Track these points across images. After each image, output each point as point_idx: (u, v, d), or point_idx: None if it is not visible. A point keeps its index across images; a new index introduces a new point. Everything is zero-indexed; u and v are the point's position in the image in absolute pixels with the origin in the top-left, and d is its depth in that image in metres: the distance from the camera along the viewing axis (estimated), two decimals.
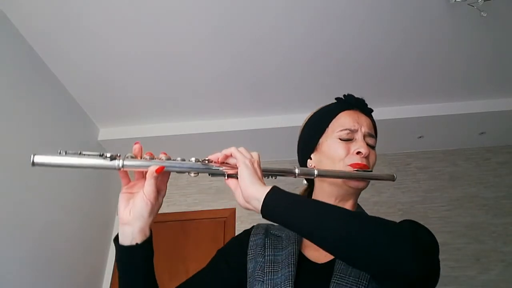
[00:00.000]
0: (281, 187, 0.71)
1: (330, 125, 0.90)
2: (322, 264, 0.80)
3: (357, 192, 0.88)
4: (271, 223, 0.93)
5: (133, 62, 2.05)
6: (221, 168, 0.75)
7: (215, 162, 0.75)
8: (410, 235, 0.66)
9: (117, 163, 0.70)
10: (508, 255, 2.42)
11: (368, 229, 0.65)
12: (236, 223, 2.61)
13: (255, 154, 0.77)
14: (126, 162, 0.71)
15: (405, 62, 2.12)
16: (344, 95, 0.94)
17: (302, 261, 0.82)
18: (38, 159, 0.66)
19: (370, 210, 0.81)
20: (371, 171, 0.86)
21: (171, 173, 0.78)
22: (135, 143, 0.74)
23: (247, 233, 0.92)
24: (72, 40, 1.90)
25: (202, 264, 0.90)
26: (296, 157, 0.98)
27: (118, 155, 0.70)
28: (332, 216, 0.66)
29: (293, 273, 0.78)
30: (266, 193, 0.68)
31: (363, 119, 0.91)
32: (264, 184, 0.72)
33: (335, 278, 0.74)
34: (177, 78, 2.17)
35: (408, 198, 2.65)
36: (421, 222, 0.76)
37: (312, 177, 0.82)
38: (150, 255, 0.75)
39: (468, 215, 2.56)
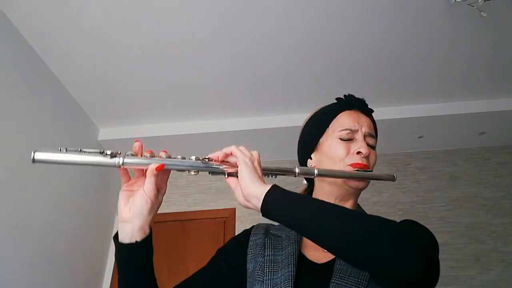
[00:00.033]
0: (281, 187, 0.71)
1: (331, 125, 0.90)
2: (322, 264, 0.80)
3: (357, 192, 0.88)
4: (271, 223, 0.93)
5: (133, 62, 2.05)
6: (221, 167, 0.75)
7: (215, 161, 0.75)
8: (411, 235, 0.66)
9: (118, 160, 0.70)
10: (508, 255, 2.42)
11: (369, 228, 0.65)
12: (236, 223, 2.61)
13: (255, 153, 0.77)
14: (127, 160, 0.71)
15: (405, 62, 2.12)
16: (345, 95, 0.94)
17: (302, 261, 0.82)
18: (39, 156, 0.67)
19: (370, 210, 0.82)
20: (371, 171, 0.86)
21: (171, 173, 0.78)
22: (136, 141, 0.75)
23: (247, 233, 0.92)
24: (72, 40, 1.90)
25: (202, 264, 0.90)
26: (296, 157, 0.98)
27: (119, 152, 0.70)
28: (332, 215, 0.66)
29: (293, 273, 0.78)
30: (266, 192, 0.69)
31: (364, 119, 0.91)
32: (264, 182, 0.72)
33: (334, 278, 0.74)
34: (177, 78, 2.18)
35: (408, 198, 2.65)
36: (421, 222, 0.76)
37: (312, 177, 0.82)
38: (150, 253, 0.75)
39: (468, 215, 2.56)
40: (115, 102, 2.34)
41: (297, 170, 0.80)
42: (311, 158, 0.92)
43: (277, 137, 2.50)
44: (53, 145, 0.70)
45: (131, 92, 2.27)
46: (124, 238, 0.73)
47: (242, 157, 0.73)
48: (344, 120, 0.89)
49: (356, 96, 0.94)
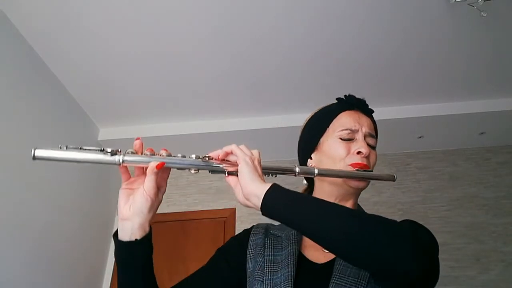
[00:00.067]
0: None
1: (331, 125, 0.90)
2: (321, 264, 0.80)
3: (357, 192, 0.88)
4: (271, 223, 0.93)
5: (133, 62, 2.05)
6: (221, 165, 0.75)
7: (215, 159, 0.75)
8: (410, 235, 0.66)
9: (118, 158, 0.70)
10: (508, 255, 2.42)
11: (368, 228, 0.65)
12: (236, 223, 2.62)
13: (255, 152, 0.77)
14: (127, 158, 0.71)
15: (405, 62, 2.12)
16: (345, 96, 0.94)
17: (302, 261, 0.82)
18: (39, 153, 0.67)
19: (370, 210, 0.81)
20: (372, 171, 0.86)
21: (171, 173, 0.78)
22: (136, 139, 0.75)
23: (247, 232, 0.92)
24: (72, 40, 1.90)
25: (202, 264, 0.90)
26: (296, 157, 0.98)
27: (119, 150, 0.71)
28: (332, 215, 0.66)
29: (292, 273, 0.78)
30: (266, 190, 0.69)
31: (364, 119, 0.91)
32: (264, 181, 0.72)
33: (334, 278, 0.74)
34: (177, 78, 2.18)
35: (408, 198, 2.65)
36: (421, 222, 0.76)
37: (313, 176, 0.82)
38: (149, 251, 0.75)
39: (468, 215, 2.56)
40: (115, 102, 2.34)
41: (297, 169, 0.80)
42: (311, 158, 0.92)
43: (277, 137, 2.50)
44: (53, 145, 0.70)
45: (131, 92, 2.27)
46: (124, 236, 0.73)
47: (242, 155, 0.73)
48: (345, 120, 0.89)
49: (356, 96, 0.94)
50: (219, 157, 0.75)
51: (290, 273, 0.78)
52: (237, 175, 0.73)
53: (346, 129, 0.87)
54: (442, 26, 1.89)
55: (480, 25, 1.86)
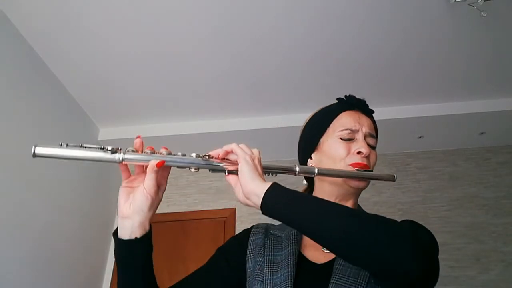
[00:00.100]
0: None
1: (331, 125, 0.90)
2: (321, 264, 0.80)
3: (357, 192, 0.88)
4: (271, 223, 0.93)
5: (133, 62, 2.05)
6: (221, 164, 0.75)
7: (215, 158, 0.75)
8: (410, 235, 0.66)
9: (118, 156, 0.70)
10: (508, 255, 2.42)
11: (369, 228, 0.65)
12: (236, 223, 2.62)
13: (255, 151, 0.77)
14: (127, 156, 0.71)
15: (405, 62, 2.12)
16: (345, 96, 0.94)
17: (302, 261, 0.82)
18: (39, 150, 0.67)
19: (370, 210, 0.82)
20: (372, 171, 0.86)
21: (171, 174, 0.78)
22: (137, 137, 0.75)
23: (246, 232, 0.92)
24: (72, 40, 1.90)
25: (202, 264, 0.90)
26: (296, 157, 0.98)
27: (119, 148, 0.71)
28: (332, 214, 0.66)
29: (292, 273, 0.78)
30: (266, 189, 0.69)
31: (364, 119, 0.91)
32: (264, 180, 0.72)
33: (334, 279, 0.74)
34: (177, 78, 2.18)
35: (408, 198, 2.65)
36: (421, 222, 0.76)
37: (313, 176, 0.82)
38: (150, 250, 0.75)
39: (468, 215, 2.56)
40: (115, 102, 2.34)
41: (297, 168, 0.80)
42: (311, 158, 0.92)
43: (277, 137, 2.50)
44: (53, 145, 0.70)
45: (131, 92, 2.27)
46: (124, 234, 0.73)
47: (242, 154, 0.74)
48: (345, 120, 0.89)
49: (357, 96, 0.94)
50: (219, 156, 0.76)
51: (290, 273, 0.77)
52: (237, 174, 0.74)
53: (346, 129, 0.87)
54: (442, 26, 1.89)
55: (480, 25, 1.86)
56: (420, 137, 2.65)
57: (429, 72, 2.19)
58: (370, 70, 2.16)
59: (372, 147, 0.89)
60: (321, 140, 0.91)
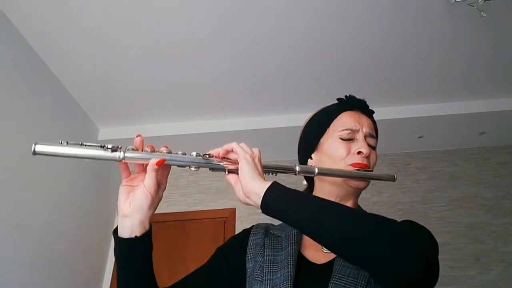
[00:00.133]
0: None
1: (331, 125, 0.90)
2: (321, 264, 0.80)
3: (357, 192, 0.88)
4: (271, 223, 0.93)
5: (133, 62, 2.05)
6: (221, 163, 0.75)
7: (216, 157, 0.75)
8: (410, 235, 0.66)
9: (118, 154, 0.70)
10: (508, 255, 2.42)
11: (369, 227, 0.65)
12: (236, 223, 2.62)
13: (256, 150, 0.77)
14: (127, 154, 0.71)
15: (405, 62, 2.12)
16: (346, 96, 0.94)
17: (301, 261, 0.82)
18: (39, 148, 0.67)
19: (370, 210, 0.82)
20: (372, 171, 0.86)
21: (171, 174, 0.78)
22: (137, 136, 0.75)
23: (246, 232, 0.92)
24: (72, 40, 1.90)
25: (202, 264, 0.90)
26: (296, 157, 0.98)
27: (119, 147, 0.71)
28: (333, 214, 0.66)
29: (292, 273, 0.78)
30: (266, 188, 0.69)
31: (364, 119, 0.91)
32: (265, 179, 0.72)
33: (333, 279, 0.74)
34: (177, 78, 2.18)
35: (408, 198, 2.65)
36: (421, 222, 0.76)
37: (313, 175, 0.82)
38: (149, 248, 0.75)
39: (468, 215, 2.56)
40: (115, 102, 2.34)
41: (297, 168, 0.80)
42: (311, 158, 0.92)
43: (277, 137, 2.50)
44: None
45: (131, 92, 2.27)
46: (124, 233, 0.73)
47: (243, 153, 0.74)
48: (345, 120, 0.89)
49: (357, 96, 0.94)
50: (220, 155, 0.76)
51: (289, 273, 0.77)
52: (238, 173, 0.74)
53: (347, 129, 0.87)
54: (442, 26, 1.89)
55: (480, 25, 1.86)
56: (420, 137, 2.65)
57: (429, 72, 2.19)
58: (370, 70, 2.16)
59: (372, 147, 0.89)
60: (321, 140, 0.91)
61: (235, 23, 1.85)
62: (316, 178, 0.92)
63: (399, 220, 0.74)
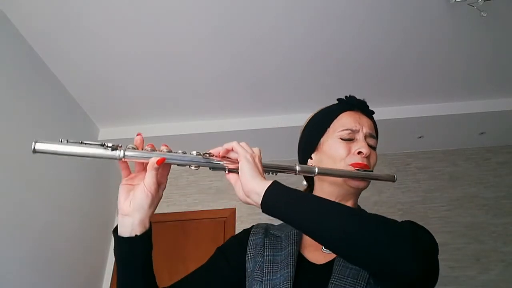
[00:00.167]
0: None
1: (332, 125, 0.90)
2: (321, 265, 0.80)
3: (357, 192, 0.88)
4: (271, 223, 0.93)
5: (133, 62, 2.05)
6: (222, 162, 0.75)
7: (216, 156, 0.75)
8: (410, 235, 0.66)
9: (118, 153, 0.70)
10: (508, 255, 2.42)
11: (369, 227, 0.65)
12: (236, 223, 2.62)
13: (256, 150, 0.77)
14: (127, 153, 0.71)
15: (405, 62, 2.12)
16: (346, 96, 0.94)
17: (301, 262, 0.82)
18: (39, 146, 0.66)
19: (370, 210, 0.82)
20: (372, 171, 0.86)
21: (171, 173, 0.78)
22: (137, 135, 0.75)
23: (246, 232, 0.92)
24: (72, 40, 1.90)
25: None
26: (296, 157, 0.98)
27: (120, 145, 0.70)
28: (333, 213, 0.66)
29: (292, 273, 0.77)
30: (266, 188, 0.69)
31: (365, 120, 0.91)
32: (265, 178, 0.72)
33: (333, 279, 0.74)
34: (177, 78, 2.18)
35: (408, 198, 2.65)
36: (421, 222, 0.76)
37: (313, 175, 0.82)
38: (149, 247, 0.75)
39: (468, 215, 2.56)
40: (115, 102, 2.34)
41: (297, 168, 0.80)
42: (311, 158, 0.92)
43: (277, 137, 2.50)
44: None
45: (131, 92, 2.27)
46: (124, 232, 0.73)
47: (243, 153, 0.74)
48: (345, 120, 0.89)
49: (357, 96, 0.94)
50: (220, 154, 0.76)
51: (289, 273, 0.77)
52: (238, 173, 0.73)
53: (347, 129, 0.87)
54: (442, 26, 1.89)
55: (480, 25, 1.86)
56: (420, 137, 2.65)
57: (429, 72, 2.19)
58: (370, 70, 2.16)
59: (373, 148, 0.89)
60: (321, 140, 0.91)
61: (235, 23, 1.85)
62: (316, 178, 0.92)
63: (399, 220, 0.74)
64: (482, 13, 1.65)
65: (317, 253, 0.82)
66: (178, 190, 2.75)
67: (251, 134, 2.50)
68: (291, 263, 0.79)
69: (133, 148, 0.72)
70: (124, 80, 2.18)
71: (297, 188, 0.74)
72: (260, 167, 0.74)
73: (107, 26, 1.84)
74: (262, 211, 0.69)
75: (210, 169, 0.76)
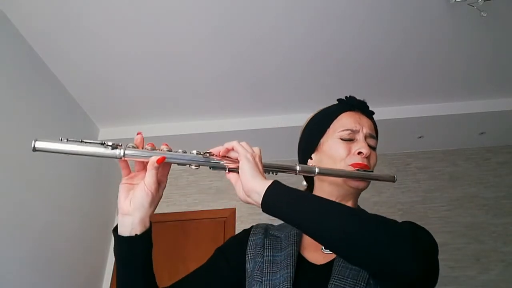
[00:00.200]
0: None
1: (332, 126, 0.90)
2: (320, 265, 0.80)
3: (357, 192, 0.88)
4: (271, 223, 0.93)
5: (133, 62, 2.05)
6: (222, 162, 0.75)
7: (216, 156, 0.75)
8: (410, 235, 0.66)
9: (118, 152, 0.70)
10: (508, 255, 2.42)
11: (369, 227, 0.65)
12: (236, 223, 2.62)
13: (256, 149, 0.77)
14: (128, 152, 0.71)
15: (405, 62, 2.12)
16: (346, 97, 0.94)
17: (301, 262, 0.81)
18: (39, 144, 0.66)
19: (370, 210, 0.82)
20: (372, 171, 0.86)
21: (171, 173, 0.78)
22: (137, 134, 0.75)
23: (246, 232, 0.92)
24: (72, 40, 1.90)
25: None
26: (296, 157, 0.98)
27: (120, 144, 0.70)
28: (333, 213, 0.66)
29: (291, 274, 0.77)
30: (267, 187, 0.69)
31: (365, 120, 0.91)
32: (265, 178, 0.72)
33: (333, 280, 0.74)
34: (177, 78, 2.17)
35: (408, 198, 2.65)
36: (421, 222, 0.76)
37: (313, 175, 0.82)
38: (149, 247, 0.75)
39: (468, 215, 2.56)
40: (115, 102, 2.34)
41: (298, 167, 0.80)
42: (311, 159, 0.92)
43: (277, 137, 2.50)
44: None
45: (131, 92, 2.27)
46: (124, 231, 0.72)
47: (243, 152, 0.73)
48: (345, 121, 0.89)
49: (357, 96, 0.94)
50: (220, 154, 0.76)
51: (289, 274, 0.77)
52: (238, 172, 0.73)
53: (347, 130, 0.87)
54: (442, 26, 1.89)
55: (480, 25, 1.86)
56: (420, 137, 2.65)
57: (429, 72, 2.19)
58: (370, 70, 2.16)
59: (373, 148, 0.89)
60: (322, 140, 0.91)
61: (235, 23, 1.85)
62: (316, 178, 0.92)
63: (399, 220, 0.74)
64: (482, 13, 1.65)
65: (316, 254, 0.82)
66: (178, 190, 2.75)
67: (251, 134, 2.50)
68: (291, 264, 0.79)
69: (133, 147, 0.72)
70: (124, 80, 2.18)
71: (297, 188, 0.74)
72: (260, 167, 0.74)
73: (107, 26, 1.84)
74: (263, 211, 0.69)
75: (210, 168, 0.76)
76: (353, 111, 0.91)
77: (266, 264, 0.82)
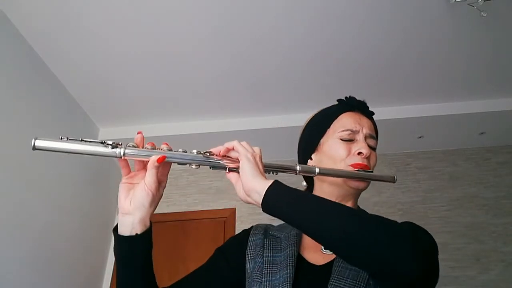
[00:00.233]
0: None
1: (332, 126, 0.90)
2: (320, 266, 0.80)
3: (357, 193, 0.88)
4: (270, 223, 0.93)
5: (133, 62, 2.05)
6: (222, 161, 0.75)
7: (216, 155, 0.75)
8: (410, 235, 0.66)
9: (119, 151, 0.70)
10: (508, 255, 2.42)
11: (369, 228, 0.65)
12: (236, 223, 2.61)
13: (257, 149, 0.77)
14: (128, 151, 0.71)
15: (405, 62, 2.12)
16: (346, 97, 0.94)
17: (301, 263, 0.81)
18: (39, 143, 0.66)
19: (370, 210, 0.82)
20: (372, 171, 0.86)
21: (171, 173, 0.78)
22: (138, 133, 0.75)
23: (246, 232, 0.92)
24: (72, 40, 1.90)
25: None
26: (296, 157, 0.98)
27: (120, 143, 0.70)
28: (333, 213, 0.66)
29: (291, 274, 0.77)
30: (267, 187, 0.68)
31: (365, 120, 0.91)
32: (266, 178, 0.72)
33: (333, 280, 0.74)
34: (177, 78, 2.17)
35: (408, 198, 2.65)
36: (421, 222, 0.76)
37: (313, 175, 0.82)
38: (150, 246, 0.75)
39: (468, 215, 2.56)
40: (115, 102, 2.34)
41: (298, 168, 0.80)
42: (311, 159, 0.92)
43: (277, 137, 2.49)
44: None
45: (131, 92, 2.27)
46: (124, 231, 0.72)
47: (244, 152, 0.73)
48: (346, 121, 0.89)
49: (357, 96, 0.94)
50: (220, 153, 0.76)
51: (289, 274, 0.77)
52: (238, 172, 0.73)
53: (347, 130, 0.87)
54: (442, 26, 1.89)
55: (480, 25, 1.86)
56: (420, 137, 2.65)
57: (429, 72, 2.19)
58: (370, 70, 2.16)
59: (373, 148, 0.89)
60: (322, 140, 0.91)
61: (235, 23, 1.85)
62: (315, 179, 0.92)
63: (399, 220, 0.74)
64: (482, 13, 1.65)
65: (316, 254, 0.82)
66: (178, 190, 2.75)
67: (251, 134, 2.50)
68: (291, 264, 0.79)
69: (133, 146, 0.72)
70: (124, 80, 2.18)
71: (297, 188, 0.74)
72: (261, 166, 0.74)
73: (107, 26, 1.84)
74: (263, 211, 0.69)
75: (210, 168, 0.76)
76: (353, 112, 0.91)
77: (266, 265, 0.82)
